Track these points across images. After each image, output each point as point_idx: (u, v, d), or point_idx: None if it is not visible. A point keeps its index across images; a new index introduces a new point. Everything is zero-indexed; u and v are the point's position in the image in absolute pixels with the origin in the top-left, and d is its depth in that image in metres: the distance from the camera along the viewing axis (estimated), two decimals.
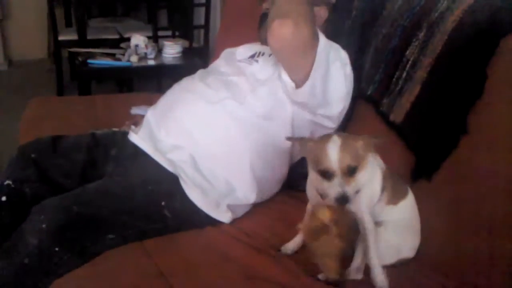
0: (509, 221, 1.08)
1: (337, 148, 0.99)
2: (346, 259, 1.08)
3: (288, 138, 1.23)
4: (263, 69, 1.46)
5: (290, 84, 1.32)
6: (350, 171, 1.00)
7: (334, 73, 1.36)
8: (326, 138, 1.03)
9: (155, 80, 3.71)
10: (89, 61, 2.69)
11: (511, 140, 1.10)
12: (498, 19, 1.20)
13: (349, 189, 0.99)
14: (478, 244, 1.11)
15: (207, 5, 3.40)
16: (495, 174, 1.12)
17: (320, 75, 1.30)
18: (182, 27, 3.66)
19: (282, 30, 1.18)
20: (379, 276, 1.07)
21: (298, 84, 1.31)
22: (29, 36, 4.63)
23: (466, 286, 1.11)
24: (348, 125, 1.52)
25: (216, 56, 1.81)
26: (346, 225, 1.04)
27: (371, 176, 1.08)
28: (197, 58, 3.09)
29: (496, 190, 1.11)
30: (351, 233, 1.07)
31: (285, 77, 1.33)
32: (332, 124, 1.44)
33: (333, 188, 0.99)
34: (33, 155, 1.41)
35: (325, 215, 1.02)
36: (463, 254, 1.14)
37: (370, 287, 1.08)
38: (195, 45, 3.46)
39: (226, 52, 1.70)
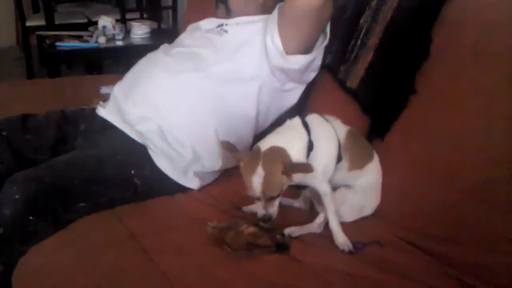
0: (453, 171, 1.16)
1: (260, 180, 1.06)
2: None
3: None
4: (235, 36, 1.51)
5: (281, 50, 1.39)
6: (272, 198, 1.09)
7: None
8: (253, 165, 1.07)
9: (125, 63, 3.69)
10: (57, 43, 2.69)
11: (454, 97, 1.19)
12: None
13: (272, 210, 1.10)
14: (427, 194, 1.20)
15: None
16: (441, 128, 1.20)
17: (323, 49, 1.47)
18: (150, 9, 3.67)
19: None
20: (339, 238, 1.15)
21: (290, 52, 1.39)
22: None
23: (416, 234, 1.19)
24: (310, 94, 1.59)
25: None
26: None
27: (323, 153, 1.15)
28: (166, 38, 3.09)
29: (443, 143, 1.19)
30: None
31: (277, 41, 1.39)
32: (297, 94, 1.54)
33: (258, 209, 1.11)
34: (4, 133, 1.44)
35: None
36: (412, 206, 1.22)
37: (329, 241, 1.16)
38: (163, 26, 3.47)
39: (190, 26, 1.74)
